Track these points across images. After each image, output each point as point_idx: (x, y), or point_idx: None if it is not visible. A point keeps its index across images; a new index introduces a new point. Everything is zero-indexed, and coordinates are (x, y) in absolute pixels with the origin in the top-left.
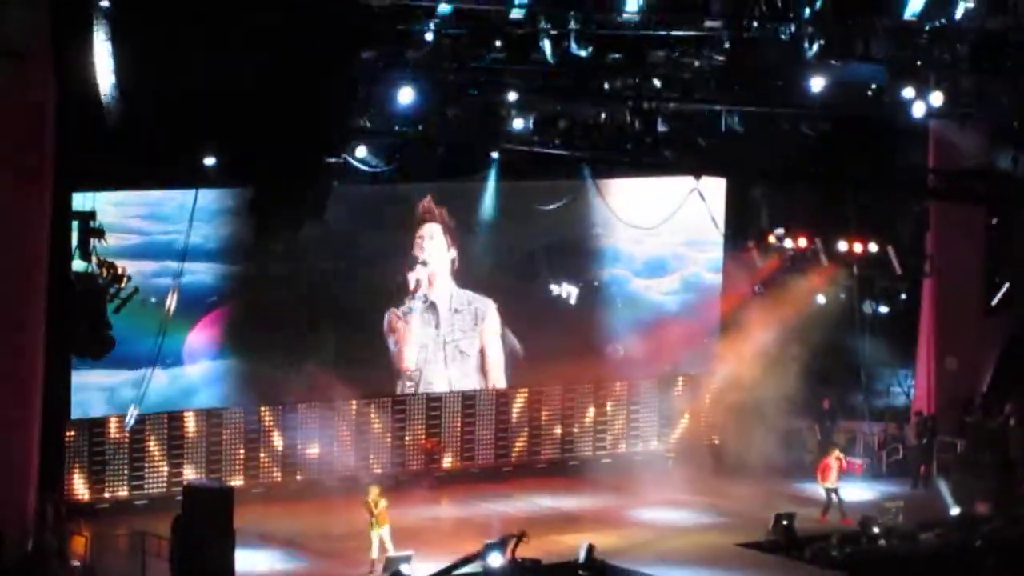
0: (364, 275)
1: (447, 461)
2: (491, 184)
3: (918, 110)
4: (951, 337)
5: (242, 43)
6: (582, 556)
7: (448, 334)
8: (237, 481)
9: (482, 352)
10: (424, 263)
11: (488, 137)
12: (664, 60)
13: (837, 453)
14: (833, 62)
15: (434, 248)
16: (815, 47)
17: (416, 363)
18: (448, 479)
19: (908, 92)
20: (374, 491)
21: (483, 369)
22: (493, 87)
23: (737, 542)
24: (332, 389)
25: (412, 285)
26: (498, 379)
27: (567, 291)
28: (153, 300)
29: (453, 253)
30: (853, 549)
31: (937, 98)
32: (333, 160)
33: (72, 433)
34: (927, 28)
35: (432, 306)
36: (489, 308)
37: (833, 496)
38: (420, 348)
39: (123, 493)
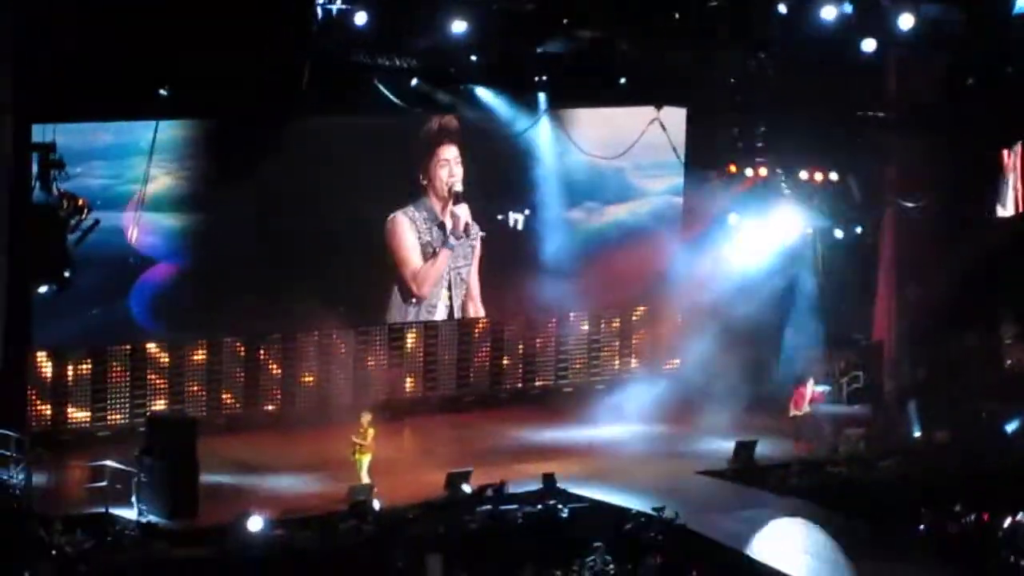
0: (356, 207)
1: (408, 390)
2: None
3: (868, 45)
4: (911, 266)
5: None
6: (542, 484)
7: (453, 260)
8: (200, 412)
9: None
10: (449, 186)
11: (448, 68)
12: None
13: (811, 382)
14: None
15: (456, 169)
16: None
17: (429, 289)
18: (410, 409)
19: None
20: (366, 418)
21: (469, 296)
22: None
23: (698, 470)
24: (298, 321)
25: (438, 210)
26: (478, 308)
27: (514, 219)
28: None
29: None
30: (813, 477)
31: (907, 20)
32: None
33: (34, 362)
34: None
35: (444, 231)
36: (477, 236)
37: (803, 422)
38: (439, 277)
39: (86, 423)
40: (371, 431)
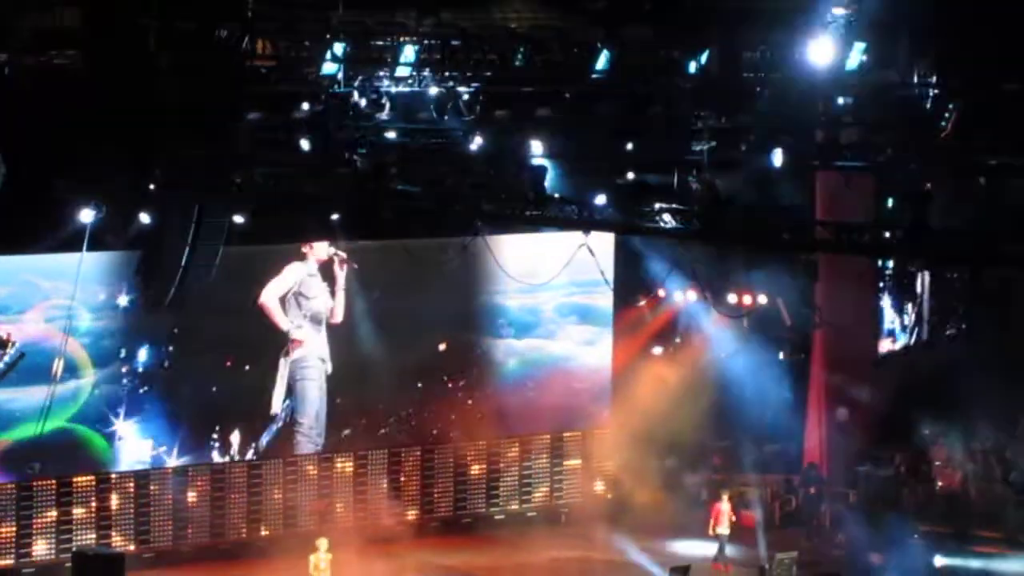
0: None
1: (339, 519)
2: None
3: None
4: (842, 387)
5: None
6: None
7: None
8: (128, 547)
9: None
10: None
11: (377, 195)
12: (550, 116)
13: (727, 498)
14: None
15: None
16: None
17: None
18: (341, 539)
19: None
20: (323, 544)
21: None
22: (379, 146)
23: None
24: (221, 452)
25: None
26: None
27: (442, 344)
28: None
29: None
30: None
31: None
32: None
33: None
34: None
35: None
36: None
37: (722, 543)
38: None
39: (9, 561)
40: (328, 556)
